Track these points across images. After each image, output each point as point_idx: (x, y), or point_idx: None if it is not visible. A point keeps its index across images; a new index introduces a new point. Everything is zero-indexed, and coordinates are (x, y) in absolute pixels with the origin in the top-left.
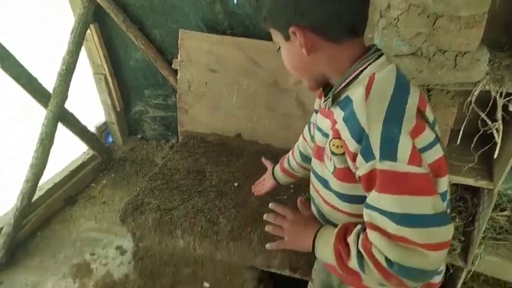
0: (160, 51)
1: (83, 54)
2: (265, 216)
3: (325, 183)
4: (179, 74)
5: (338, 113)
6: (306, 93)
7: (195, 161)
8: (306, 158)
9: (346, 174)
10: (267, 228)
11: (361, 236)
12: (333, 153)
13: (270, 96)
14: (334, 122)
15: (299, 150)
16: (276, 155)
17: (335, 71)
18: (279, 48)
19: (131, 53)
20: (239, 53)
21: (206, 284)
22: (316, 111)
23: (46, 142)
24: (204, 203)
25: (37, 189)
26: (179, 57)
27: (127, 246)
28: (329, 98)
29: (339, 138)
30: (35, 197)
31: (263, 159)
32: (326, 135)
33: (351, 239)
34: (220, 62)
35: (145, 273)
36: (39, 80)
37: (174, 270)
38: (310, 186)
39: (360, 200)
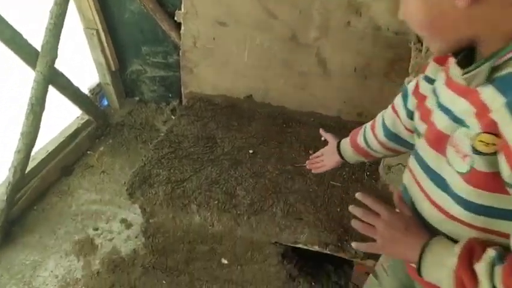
0: (159, 2)
1: (72, 6)
2: (351, 209)
3: (441, 182)
4: (183, 28)
5: (493, 96)
6: (328, 49)
7: (203, 126)
8: (394, 137)
9: (488, 181)
10: (354, 224)
11: (498, 269)
12: (476, 151)
13: (287, 53)
14: (483, 108)
15: (384, 124)
16: (290, 119)
17: (498, 34)
18: None
19: (127, 4)
20: (253, 3)
21: (224, 261)
22: (431, 80)
23: (37, 108)
24: (218, 173)
25: (30, 159)
26: (183, 9)
27: (132, 219)
28: (480, 70)
29: (495, 134)
30: (28, 169)
31: (322, 132)
32: (458, 120)
33: (481, 268)
34: (230, 13)
35: (157, 249)
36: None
37: (189, 247)
38: (407, 176)
39: (496, 213)
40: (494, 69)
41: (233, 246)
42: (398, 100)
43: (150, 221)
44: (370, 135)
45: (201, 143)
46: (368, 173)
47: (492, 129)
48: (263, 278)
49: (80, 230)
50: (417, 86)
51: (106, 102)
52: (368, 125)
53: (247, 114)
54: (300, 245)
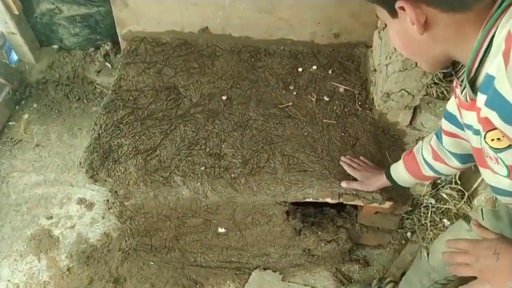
0: None
1: None
2: (445, 257)
3: (505, 192)
4: None
5: (480, 99)
6: None
7: (157, 73)
8: (468, 157)
9: None
10: (452, 269)
11: None
12: (495, 149)
13: None
14: (479, 112)
15: (452, 152)
16: (257, 51)
17: (460, 48)
18: (385, 26)
19: None
20: None
21: (221, 229)
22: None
23: None
24: (193, 130)
25: None
26: None
27: (92, 197)
28: (465, 86)
29: (494, 128)
30: None
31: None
32: (477, 132)
33: None
34: None
35: (137, 232)
36: None
37: (178, 222)
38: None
39: None
40: (474, 78)
41: (231, 214)
42: (445, 124)
43: (126, 203)
44: (440, 165)
45: (161, 96)
46: (359, 103)
47: (491, 126)
48: (267, 239)
49: (30, 223)
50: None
51: (15, 57)
52: (427, 156)
53: (206, 52)
54: (310, 199)
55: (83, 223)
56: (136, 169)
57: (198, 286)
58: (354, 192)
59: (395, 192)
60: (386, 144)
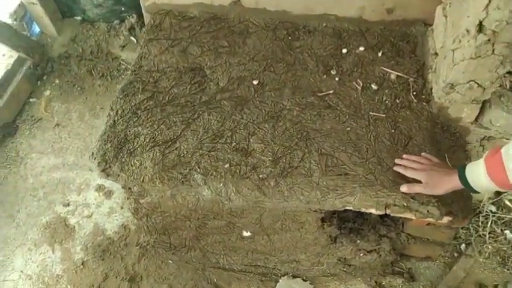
0: None
1: None
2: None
3: None
4: None
5: None
6: None
7: (182, 52)
8: None
9: None
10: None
11: None
12: None
13: None
14: None
15: None
16: (295, 28)
17: None
18: None
19: None
20: None
21: (246, 233)
22: None
23: None
24: (219, 120)
25: None
26: None
27: (111, 184)
28: None
29: None
30: None
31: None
32: None
33: None
34: None
35: (154, 229)
36: None
37: (199, 223)
38: None
39: None
40: None
41: (258, 219)
42: None
43: (141, 201)
44: None
45: (185, 79)
46: (414, 93)
47: None
48: (297, 245)
49: (47, 209)
50: None
51: (37, 29)
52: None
53: (237, 28)
54: (350, 207)
55: (100, 212)
56: (153, 164)
57: None
58: (405, 204)
59: (456, 204)
60: (446, 145)
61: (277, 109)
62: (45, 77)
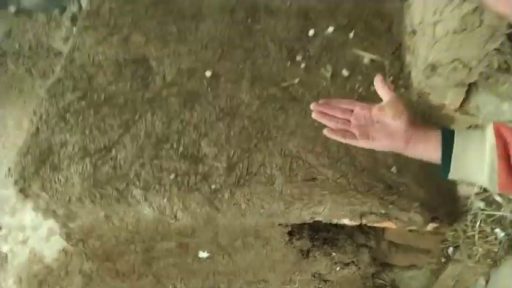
0: None
1: None
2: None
3: None
4: None
5: None
6: None
7: (122, 41)
8: None
9: None
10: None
11: None
12: None
13: None
14: None
15: None
16: (255, 8)
17: None
18: None
19: None
20: None
21: (203, 254)
22: None
23: None
24: (164, 122)
25: None
26: None
27: None
28: None
29: None
30: None
31: (378, 82)
32: None
33: None
34: None
35: (95, 255)
36: None
37: (145, 246)
38: None
39: None
40: None
41: (214, 238)
42: None
43: (70, 225)
44: None
45: (126, 74)
46: (391, 78)
47: None
48: (264, 264)
49: None
50: None
51: None
52: None
53: (189, 12)
54: (320, 219)
55: (38, 236)
56: (81, 179)
57: None
58: (383, 212)
59: (442, 209)
60: None
61: (234, 104)
62: None
